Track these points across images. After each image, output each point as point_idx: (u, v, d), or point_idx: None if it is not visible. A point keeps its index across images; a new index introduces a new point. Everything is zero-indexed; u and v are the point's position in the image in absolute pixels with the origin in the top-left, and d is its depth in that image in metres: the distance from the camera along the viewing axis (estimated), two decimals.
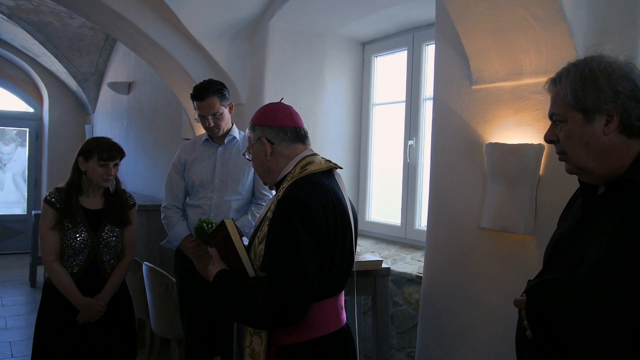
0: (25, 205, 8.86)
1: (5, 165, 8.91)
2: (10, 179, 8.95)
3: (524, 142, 2.09)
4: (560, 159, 1.38)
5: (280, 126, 1.75)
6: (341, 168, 1.82)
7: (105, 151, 2.62)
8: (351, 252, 1.71)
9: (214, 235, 1.69)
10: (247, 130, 1.84)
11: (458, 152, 2.41)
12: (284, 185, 1.67)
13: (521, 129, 2.15)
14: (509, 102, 2.21)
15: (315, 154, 1.78)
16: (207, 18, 3.71)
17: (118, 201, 2.72)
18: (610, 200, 1.27)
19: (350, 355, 1.72)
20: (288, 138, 1.75)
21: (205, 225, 2.63)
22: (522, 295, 1.27)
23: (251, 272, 1.61)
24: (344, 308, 1.76)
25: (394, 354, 3.00)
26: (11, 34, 7.39)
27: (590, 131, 1.27)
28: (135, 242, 2.82)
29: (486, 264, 2.24)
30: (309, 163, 1.71)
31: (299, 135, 1.78)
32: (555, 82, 1.37)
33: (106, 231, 2.64)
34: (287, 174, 1.72)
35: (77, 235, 2.57)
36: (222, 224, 1.64)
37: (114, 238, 2.66)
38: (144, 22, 3.83)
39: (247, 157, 1.84)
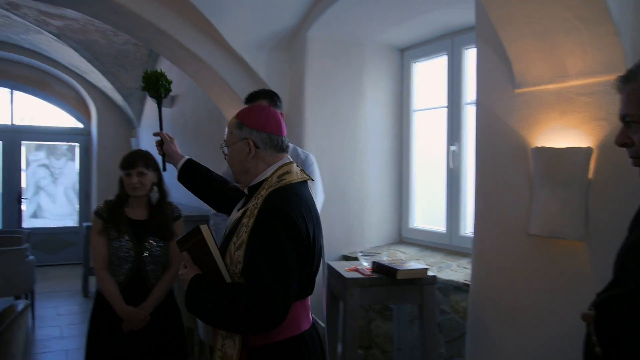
0: (77, 217, 9.17)
1: (57, 179, 9.25)
2: (62, 193, 9.29)
3: (572, 146, 2.05)
4: (634, 164, 1.29)
5: (268, 133, 1.75)
6: (312, 180, 1.86)
7: (125, 160, 2.72)
8: (321, 256, 1.76)
9: (186, 240, 1.67)
10: (230, 126, 1.81)
11: (503, 157, 2.38)
12: (262, 194, 1.68)
13: (568, 132, 2.10)
14: (554, 105, 2.16)
15: (291, 163, 1.79)
16: (246, 30, 3.78)
17: (160, 213, 2.78)
18: None
19: (319, 352, 1.76)
20: (273, 146, 1.76)
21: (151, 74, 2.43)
22: (589, 309, 1.21)
23: (227, 278, 1.62)
24: (310, 308, 1.80)
25: None
26: (60, 53, 7.69)
27: None
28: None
29: (536, 271, 2.19)
30: (287, 172, 1.72)
31: (283, 145, 1.79)
32: (629, 80, 1.26)
33: (150, 241, 2.71)
34: (264, 180, 1.73)
35: (122, 244, 2.66)
36: (197, 229, 1.63)
37: (158, 249, 2.72)
38: (185, 36, 3.92)
39: (224, 150, 1.81)
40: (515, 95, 2.33)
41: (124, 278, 2.68)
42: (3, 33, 7.35)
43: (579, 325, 1.30)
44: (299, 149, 3.09)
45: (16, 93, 8.73)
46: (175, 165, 2.23)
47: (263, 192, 1.68)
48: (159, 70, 2.38)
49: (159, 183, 2.81)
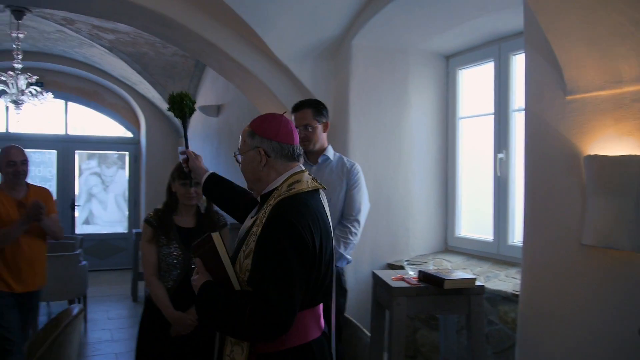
0: (126, 224, 9.46)
1: (108, 186, 9.57)
2: (113, 200, 9.60)
3: (627, 154, 1.98)
4: None
5: (279, 142, 1.77)
6: (325, 189, 1.86)
7: (183, 172, 2.76)
8: (331, 265, 1.77)
9: (200, 246, 1.70)
10: (243, 134, 1.84)
11: (554, 165, 2.32)
12: (270, 202, 1.71)
13: (623, 140, 2.04)
14: (608, 111, 2.10)
15: (303, 172, 1.80)
16: (291, 41, 3.83)
17: (208, 221, 2.86)
18: None
19: None
20: (284, 155, 1.78)
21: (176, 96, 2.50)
22: None
23: (236, 285, 1.65)
24: (322, 316, 1.79)
25: None
26: (112, 65, 7.97)
27: None
28: None
29: (589, 282, 2.13)
30: (297, 181, 1.74)
31: (294, 154, 1.81)
32: None
33: None
34: (274, 188, 1.76)
35: (171, 251, 2.73)
36: (209, 237, 1.66)
37: None
38: (232, 47, 4.00)
39: (237, 158, 1.86)
40: (567, 102, 2.27)
41: (173, 284, 2.75)
42: (59, 47, 7.68)
43: (635, 339, 1.26)
44: (345, 158, 3.11)
45: (70, 104, 9.09)
46: (199, 180, 2.36)
47: (272, 201, 1.71)
48: (183, 91, 2.50)
49: None
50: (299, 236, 1.59)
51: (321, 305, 1.79)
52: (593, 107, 2.16)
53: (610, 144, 2.08)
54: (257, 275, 1.59)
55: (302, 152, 1.87)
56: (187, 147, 2.44)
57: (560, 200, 2.28)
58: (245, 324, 1.54)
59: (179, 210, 2.84)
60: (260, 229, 1.65)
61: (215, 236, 1.66)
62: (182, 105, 2.45)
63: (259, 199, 1.86)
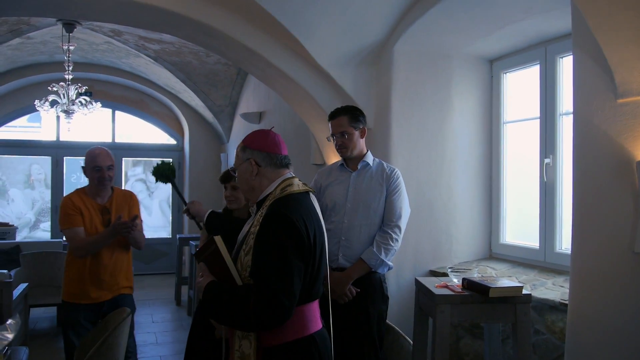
0: (170, 229, 9.65)
1: (152, 193, 9.80)
2: (157, 205, 9.83)
3: None
4: None
5: (268, 152, 1.97)
6: (314, 192, 2.06)
7: (221, 177, 3.12)
8: (324, 260, 1.94)
9: (203, 251, 1.87)
10: (237, 151, 2.05)
11: (604, 171, 2.25)
12: (266, 204, 1.90)
13: None
14: None
15: (293, 177, 2.00)
16: (333, 47, 3.84)
17: None
18: None
19: (329, 353, 1.92)
20: (273, 163, 1.98)
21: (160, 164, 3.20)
22: None
23: (239, 282, 1.82)
24: (319, 312, 1.96)
25: None
26: (156, 74, 8.18)
27: None
28: None
29: None
30: (289, 185, 1.93)
31: (283, 162, 2.01)
32: None
33: None
34: (269, 194, 1.94)
35: None
36: (212, 240, 1.82)
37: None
38: (274, 55, 4.05)
39: (234, 173, 2.09)
40: (618, 106, 2.20)
41: None
42: (107, 58, 7.94)
43: None
44: (385, 164, 3.09)
45: (117, 113, 9.37)
46: (202, 220, 2.93)
47: (267, 203, 1.90)
48: (160, 163, 3.13)
49: None
50: (294, 228, 1.77)
51: (317, 301, 1.95)
52: None
53: None
54: (258, 267, 1.75)
55: (290, 161, 2.05)
56: (185, 203, 3.13)
57: (611, 206, 2.20)
58: (250, 314, 1.69)
59: (235, 214, 3.04)
60: (258, 227, 1.82)
61: (218, 239, 1.83)
62: (164, 173, 3.10)
63: (254, 207, 2.03)
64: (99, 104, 6.88)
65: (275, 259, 1.73)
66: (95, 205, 3.38)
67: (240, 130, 8.11)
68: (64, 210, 3.34)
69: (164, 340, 5.49)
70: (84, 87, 6.78)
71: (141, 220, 3.51)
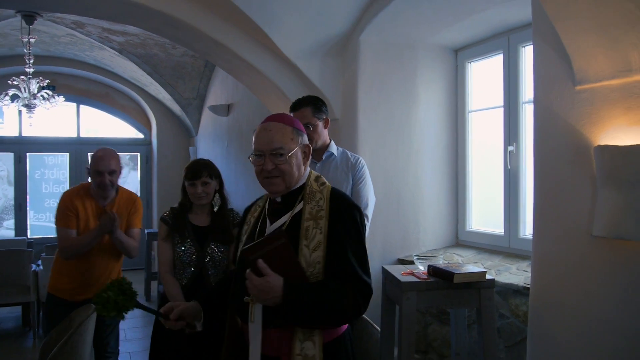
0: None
1: None
2: None
3: (637, 143, 1.96)
4: None
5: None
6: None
7: (189, 171, 2.83)
8: None
9: (260, 247, 1.64)
10: (287, 133, 1.84)
11: (563, 157, 2.30)
12: (317, 197, 1.80)
13: (633, 129, 2.01)
14: (618, 101, 2.08)
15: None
16: (299, 38, 3.83)
17: (222, 219, 2.88)
18: None
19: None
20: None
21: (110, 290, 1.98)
22: None
23: (307, 279, 1.71)
24: None
25: None
26: (122, 67, 8.04)
27: None
28: None
29: (601, 274, 2.10)
30: (318, 176, 1.92)
31: None
32: None
33: (212, 247, 2.80)
34: (303, 184, 1.87)
35: (185, 249, 2.77)
36: (281, 234, 1.67)
37: (219, 253, 2.81)
38: (240, 47, 4.02)
39: (280, 159, 1.80)
40: (576, 93, 2.25)
41: (187, 281, 2.79)
42: (70, 51, 7.76)
43: None
44: (348, 153, 3.10)
45: (82, 107, 9.18)
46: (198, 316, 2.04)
47: (318, 195, 1.81)
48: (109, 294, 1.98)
49: (220, 190, 2.92)
50: (363, 220, 1.84)
51: None
52: (603, 97, 2.14)
53: (621, 134, 2.05)
54: (344, 259, 1.72)
55: None
56: (160, 314, 2.04)
57: (570, 192, 2.25)
58: (348, 306, 1.68)
59: (194, 209, 2.88)
60: (324, 220, 1.75)
61: (284, 232, 1.70)
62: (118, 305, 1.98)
63: (278, 199, 1.88)
64: (61, 98, 6.73)
65: (359, 249, 1.76)
66: (94, 207, 3.22)
67: (209, 123, 8.03)
68: (62, 207, 3.21)
69: (133, 336, 5.43)
70: (46, 81, 6.62)
71: (140, 227, 3.36)
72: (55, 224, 3.24)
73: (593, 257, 2.14)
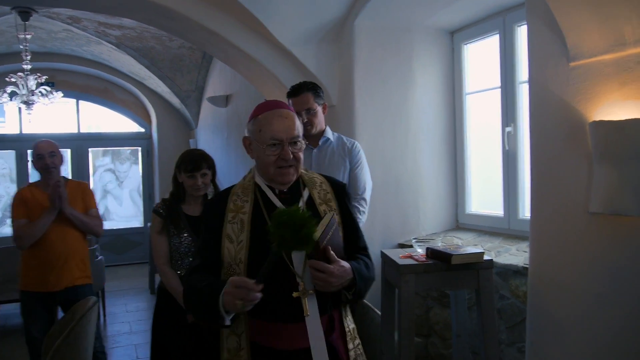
0: (142, 218, 9.53)
1: (122, 182, 9.66)
2: (128, 195, 9.69)
3: (633, 117, 1.94)
4: None
5: None
6: None
7: (190, 163, 2.78)
8: None
9: (325, 234, 1.58)
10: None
11: (559, 134, 2.28)
12: (317, 182, 1.87)
13: (628, 104, 1.99)
14: (612, 75, 2.06)
15: None
16: (294, 25, 3.80)
17: None
18: None
19: None
20: None
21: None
22: None
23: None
24: None
25: (504, 349, 2.89)
26: (120, 61, 8.01)
27: None
28: None
29: (598, 250, 2.09)
30: None
31: None
32: None
33: None
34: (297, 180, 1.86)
35: (182, 240, 2.75)
36: (333, 217, 1.69)
37: None
38: (235, 35, 3.99)
39: (300, 144, 1.76)
40: (571, 69, 2.23)
41: (186, 272, 2.78)
42: (67, 46, 7.74)
43: None
44: (344, 137, 3.09)
45: (81, 103, 9.17)
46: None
47: (316, 180, 1.87)
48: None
49: (213, 179, 2.90)
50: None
51: None
52: (597, 72, 2.12)
53: (616, 108, 2.03)
54: (360, 233, 1.91)
55: None
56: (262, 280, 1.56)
57: (567, 169, 2.24)
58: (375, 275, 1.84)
59: (187, 199, 2.86)
60: (334, 202, 1.83)
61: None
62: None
63: (285, 189, 1.82)
64: (60, 94, 6.71)
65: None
66: (44, 194, 3.33)
67: (208, 115, 8.02)
68: (12, 203, 3.37)
69: (138, 328, 5.45)
70: (44, 77, 6.60)
71: (95, 207, 3.54)
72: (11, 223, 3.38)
73: (590, 234, 2.13)
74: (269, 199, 1.78)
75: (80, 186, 3.53)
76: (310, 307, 1.64)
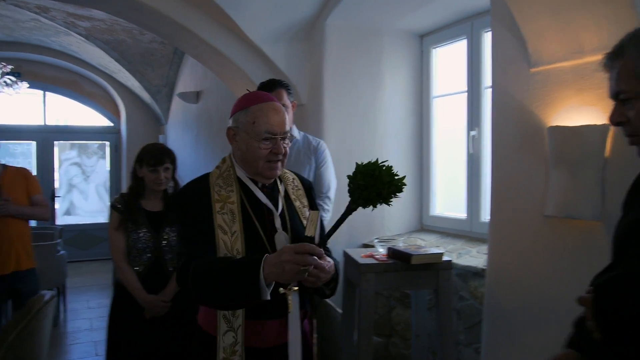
0: (107, 213, 9.33)
1: (89, 177, 9.47)
2: (94, 190, 9.51)
3: (588, 124, 1.99)
4: (631, 143, 1.24)
5: None
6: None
7: (153, 157, 2.74)
8: None
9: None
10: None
11: (519, 139, 2.33)
12: (289, 177, 1.86)
13: (584, 110, 2.04)
14: (570, 82, 2.11)
15: None
16: (265, 23, 3.79)
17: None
18: None
19: None
20: None
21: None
22: (587, 292, 1.15)
23: None
24: None
25: (462, 349, 2.93)
26: (89, 53, 7.87)
27: None
28: None
29: (552, 253, 2.14)
30: None
31: None
32: (617, 56, 1.22)
33: (167, 231, 2.76)
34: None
35: (140, 236, 2.71)
36: (317, 213, 1.63)
37: (175, 238, 2.77)
38: (206, 31, 3.96)
39: (288, 139, 1.75)
40: (531, 75, 2.28)
41: (144, 268, 2.74)
42: (34, 36, 7.56)
43: None
44: (310, 137, 3.10)
45: (48, 94, 8.97)
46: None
47: (288, 176, 1.86)
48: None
49: (173, 174, 2.86)
50: None
51: None
52: (556, 79, 2.17)
53: (572, 114, 2.09)
54: (324, 225, 1.91)
55: None
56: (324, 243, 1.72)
57: (525, 173, 2.29)
58: None
59: (146, 194, 2.81)
60: (304, 198, 1.86)
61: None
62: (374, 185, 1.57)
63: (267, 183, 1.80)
64: (25, 84, 6.58)
65: None
66: None
67: (178, 111, 7.93)
68: None
69: (99, 325, 5.35)
70: (9, 67, 6.46)
71: (40, 193, 3.61)
72: None
73: (545, 236, 2.17)
74: (251, 192, 1.74)
75: (20, 172, 3.55)
76: (294, 303, 1.64)
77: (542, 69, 2.22)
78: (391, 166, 1.59)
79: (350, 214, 1.58)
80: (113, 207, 2.80)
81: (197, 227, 1.67)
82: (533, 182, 2.23)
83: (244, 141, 1.69)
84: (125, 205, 2.77)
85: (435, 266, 2.45)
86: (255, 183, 1.76)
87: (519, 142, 2.33)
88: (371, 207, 1.62)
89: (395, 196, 1.60)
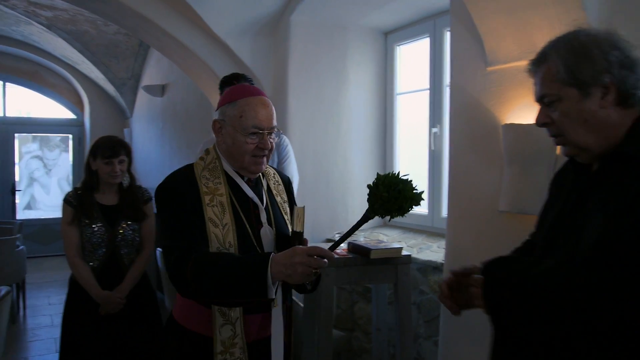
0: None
1: (50, 170, 9.24)
2: (56, 184, 9.28)
3: None
4: (557, 143, 1.32)
5: None
6: None
7: (107, 149, 2.70)
8: None
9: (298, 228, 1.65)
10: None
11: (475, 136, 2.38)
12: (269, 172, 1.86)
13: (536, 108, 2.09)
14: (524, 81, 2.14)
15: None
16: (229, 16, 3.77)
17: (132, 196, 2.80)
18: (605, 175, 1.21)
19: None
20: None
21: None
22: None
23: None
24: None
25: (422, 342, 2.98)
26: (51, 44, 7.68)
27: (588, 106, 1.21)
28: (153, 235, 2.86)
29: (505, 247, 2.18)
30: None
31: None
32: (541, 62, 1.32)
33: (122, 225, 2.72)
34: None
35: (95, 230, 2.67)
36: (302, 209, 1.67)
37: (131, 232, 2.74)
38: (169, 24, 3.92)
39: (274, 134, 1.74)
40: (487, 74, 2.32)
41: (99, 264, 2.70)
42: None
43: None
44: None
45: (8, 85, 8.73)
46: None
47: (269, 171, 1.86)
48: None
49: (128, 167, 2.82)
50: None
51: None
52: (511, 78, 2.22)
53: (526, 113, 2.14)
54: None
55: None
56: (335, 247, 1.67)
57: (481, 170, 2.34)
58: None
59: (100, 187, 2.77)
60: (285, 194, 1.88)
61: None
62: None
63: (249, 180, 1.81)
64: None
65: None
66: None
67: (144, 104, 7.82)
68: None
69: (59, 322, 5.23)
70: None
71: None
72: None
73: (499, 232, 2.23)
74: (236, 185, 1.72)
75: None
76: (278, 298, 1.62)
77: (497, 68, 2.27)
78: (411, 180, 1.61)
79: (367, 221, 1.62)
80: (66, 201, 2.74)
81: (188, 219, 1.62)
82: (488, 178, 2.29)
83: (230, 135, 1.66)
84: (78, 199, 2.72)
85: (394, 260, 2.49)
86: (242, 177, 1.75)
87: (475, 139, 2.38)
88: (389, 217, 1.64)
89: (411, 209, 1.64)
